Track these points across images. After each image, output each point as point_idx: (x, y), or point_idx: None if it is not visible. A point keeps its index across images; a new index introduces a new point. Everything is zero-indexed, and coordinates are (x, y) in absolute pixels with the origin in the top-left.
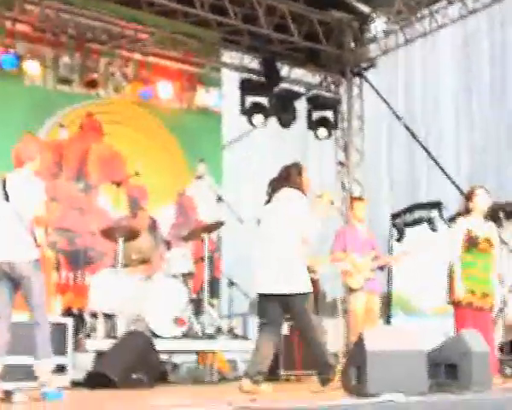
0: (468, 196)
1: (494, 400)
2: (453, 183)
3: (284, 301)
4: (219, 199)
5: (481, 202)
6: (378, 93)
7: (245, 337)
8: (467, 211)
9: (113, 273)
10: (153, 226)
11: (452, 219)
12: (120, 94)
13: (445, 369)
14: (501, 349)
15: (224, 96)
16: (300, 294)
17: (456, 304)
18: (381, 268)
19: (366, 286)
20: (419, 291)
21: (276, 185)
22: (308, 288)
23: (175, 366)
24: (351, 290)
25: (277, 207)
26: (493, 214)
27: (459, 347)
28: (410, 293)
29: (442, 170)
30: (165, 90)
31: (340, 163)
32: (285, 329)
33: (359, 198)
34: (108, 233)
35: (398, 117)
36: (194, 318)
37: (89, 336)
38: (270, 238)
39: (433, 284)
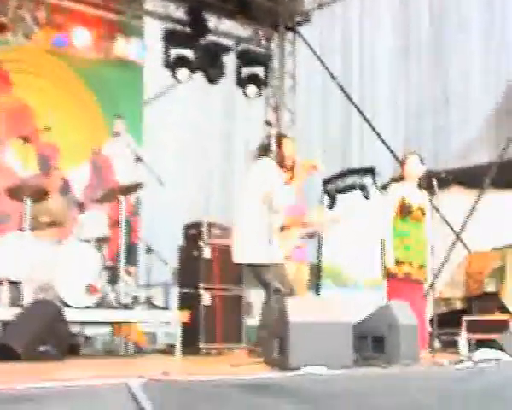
0: (401, 163)
1: (421, 373)
2: (388, 148)
3: (249, 271)
4: (138, 159)
5: (413, 169)
6: (312, 50)
7: (165, 308)
8: (400, 178)
9: (19, 237)
10: (65, 187)
11: (385, 186)
12: (31, 40)
13: (372, 342)
14: (431, 323)
15: (147, 47)
16: (254, 264)
17: (391, 275)
18: (311, 236)
19: (294, 255)
20: (351, 262)
21: (255, 156)
22: (261, 259)
23: (88, 338)
24: None
25: (247, 179)
26: (428, 182)
27: (386, 319)
28: (341, 263)
29: (377, 134)
30: (81, 37)
31: (269, 123)
32: (206, 299)
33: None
34: (15, 192)
35: (332, 77)
36: (108, 286)
37: None
38: (238, 209)
39: (366, 254)
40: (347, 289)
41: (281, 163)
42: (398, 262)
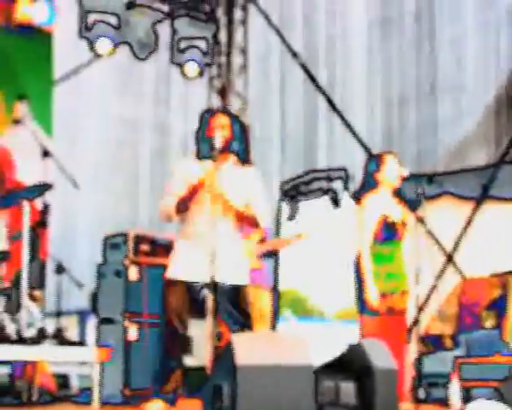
0: (377, 164)
1: None
2: (362, 145)
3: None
4: (46, 153)
5: (390, 174)
6: (269, 20)
7: (80, 343)
8: (374, 184)
9: None
10: None
11: (359, 194)
12: None
13: (340, 390)
14: (414, 366)
15: (57, 10)
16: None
17: (370, 311)
18: (270, 255)
19: (249, 278)
20: (317, 288)
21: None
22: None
23: None
24: None
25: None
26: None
27: (358, 361)
28: (305, 290)
29: (349, 127)
30: None
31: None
32: (132, 333)
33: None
34: None
35: (294, 54)
36: (7, 315)
37: None
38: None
39: (336, 280)
40: (312, 321)
41: None
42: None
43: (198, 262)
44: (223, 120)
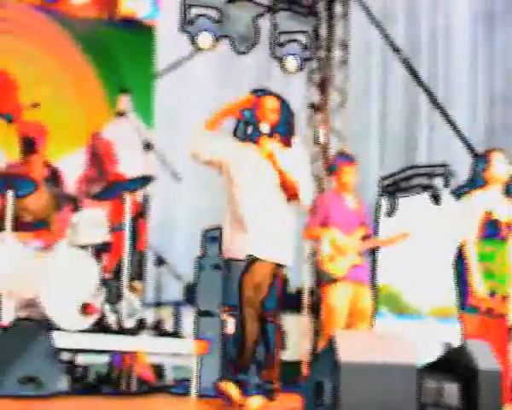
0: (484, 162)
1: None
2: (465, 141)
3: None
4: (148, 146)
5: (498, 172)
6: (370, 14)
7: (176, 334)
8: (482, 182)
9: None
10: (53, 178)
11: (461, 190)
12: None
13: (443, 390)
14: None
15: (160, 4)
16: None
17: (471, 308)
18: (373, 252)
19: (351, 275)
20: (413, 285)
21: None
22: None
23: (81, 370)
24: (329, 280)
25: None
26: None
27: (463, 362)
28: (400, 286)
29: (451, 123)
30: None
31: (314, 106)
32: (230, 326)
33: (348, 159)
34: None
35: (395, 49)
36: (108, 305)
37: None
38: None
39: (433, 277)
40: (407, 318)
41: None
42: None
43: (247, 240)
44: (274, 103)
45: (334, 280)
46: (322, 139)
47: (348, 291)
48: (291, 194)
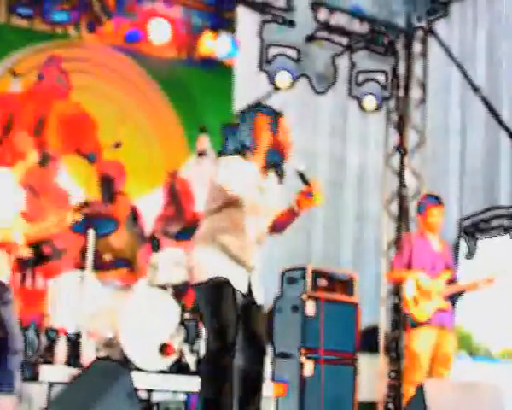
0: None
1: None
2: None
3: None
4: None
5: None
6: (449, 52)
7: None
8: None
9: (78, 278)
10: (133, 218)
11: None
12: (97, 34)
13: None
14: None
15: (239, 44)
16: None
17: None
18: (458, 295)
19: (435, 319)
20: (484, 325)
21: None
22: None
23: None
24: (413, 324)
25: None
26: None
27: None
28: (471, 328)
29: None
30: (159, 31)
31: (398, 148)
32: (308, 369)
33: (436, 200)
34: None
35: (475, 88)
36: (187, 345)
37: (44, 360)
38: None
39: (505, 318)
40: (480, 359)
41: None
42: None
43: (241, 274)
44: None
45: (419, 324)
46: (410, 182)
47: (432, 336)
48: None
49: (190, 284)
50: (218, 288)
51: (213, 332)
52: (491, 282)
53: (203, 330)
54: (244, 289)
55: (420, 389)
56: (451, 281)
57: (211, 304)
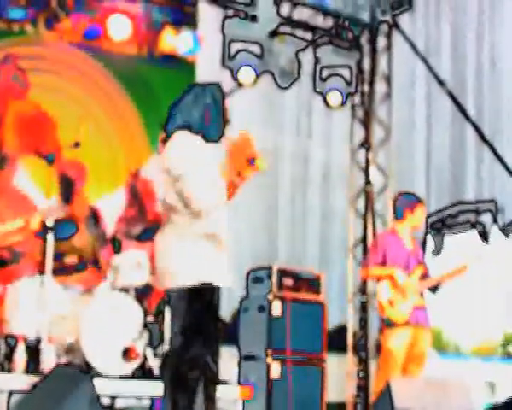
0: None
1: None
2: None
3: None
4: None
5: None
6: (414, 47)
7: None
8: None
9: (37, 283)
10: (93, 219)
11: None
12: (55, 30)
13: None
14: None
15: (201, 40)
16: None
17: None
18: (433, 290)
19: (411, 318)
20: (454, 323)
21: None
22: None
23: None
24: (388, 323)
25: None
26: None
27: None
28: (441, 325)
29: (499, 159)
30: (119, 27)
31: (363, 144)
32: (275, 370)
33: (416, 199)
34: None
35: (440, 82)
36: (150, 349)
37: (2, 368)
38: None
39: (474, 314)
40: (450, 357)
41: None
42: None
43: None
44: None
45: (395, 324)
46: (374, 178)
47: (408, 335)
48: None
49: None
50: None
51: None
52: (465, 269)
53: (167, 333)
54: None
55: (387, 386)
56: (424, 276)
57: None
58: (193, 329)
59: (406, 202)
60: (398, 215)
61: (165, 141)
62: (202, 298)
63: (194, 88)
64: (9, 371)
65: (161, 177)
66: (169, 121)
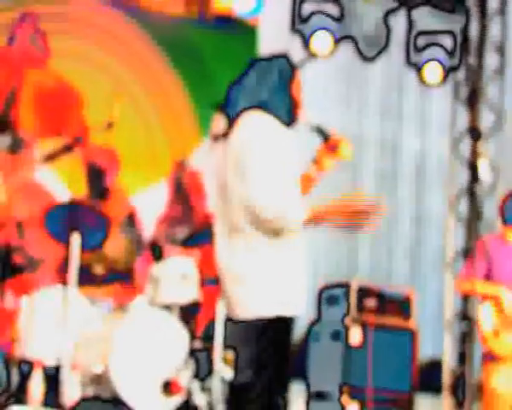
0: None
1: None
2: None
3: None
4: None
5: None
6: None
7: None
8: None
9: (59, 295)
10: (129, 219)
11: None
12: None
13: None
14: None
15: None
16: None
17: None
18: None
19: None
20: None
21: None
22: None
23: None
24: (492, 357)
25: None
26: None
27: None
28: None
29: None
30: None
31: (469, 132)
32: None
33: None
34: None
35: None
36: (196, 382)
37: (15, 400)
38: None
39: None
40: None
41: None
42: None
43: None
44: None
45: (501, 358)
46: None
47: None
48: None
49: None
50: None
51: None
52: None
53: (217, 364)
54: None
55: None
56: None
57: None
58: (263, 363)
59: None
60: (508, 220)
61: (229, 124)
62: (277, 329)
63: (257, 64)
64: (23, 403)
65: (221, 168)
66: (228, 105)
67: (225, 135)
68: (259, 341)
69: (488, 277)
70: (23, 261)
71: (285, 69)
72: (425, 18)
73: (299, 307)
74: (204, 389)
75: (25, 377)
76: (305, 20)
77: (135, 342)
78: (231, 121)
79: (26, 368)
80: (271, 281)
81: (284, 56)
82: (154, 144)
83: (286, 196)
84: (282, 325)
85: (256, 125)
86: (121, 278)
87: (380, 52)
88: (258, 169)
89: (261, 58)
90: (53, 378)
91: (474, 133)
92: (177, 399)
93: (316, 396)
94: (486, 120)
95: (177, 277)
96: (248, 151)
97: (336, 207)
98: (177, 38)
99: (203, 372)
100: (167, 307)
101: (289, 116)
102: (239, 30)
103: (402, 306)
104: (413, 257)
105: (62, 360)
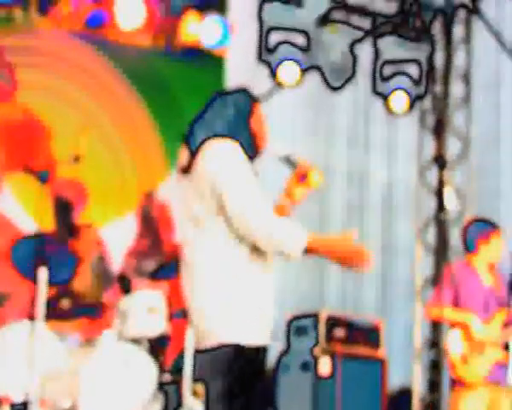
0: None
1: None
2: None
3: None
4: None
5: None
6: (499, 38)
7: None
8: None
9: (26, 330)
10: (99, 256)
11: None
12: (50, 17)
13: None
14: None
15: (231, 29)
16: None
17: None
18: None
19: (491, 376)
20: None
21: None
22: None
23: None
24: (460, 384)
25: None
26: None
27: None
28: None
29: None
30: (130, 12)
31: (435, 160)
32: None
33: (492, 227)
34: None
35: None
36: None
37: None
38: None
39: None
40: None
41: None
42: None
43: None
44: None
45: (468, 385)
46: (451, 205)
47: (485, 397)
48: None
49: None
50: None
51: None
52: None
53: (186, 398)
54: None
55: None
56: (508, 323)
57: None
58: (233, 394)
59: (478, 230)
60: (470, 248)
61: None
62: (246, 360)
63: (218, 97)
64: None
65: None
66: (190, 137)
67: (189, 167)
68: (228, 372)
69: (456, 303)
70: None
71: (243, 104)
72: (391, 47)
73: (264, 336)
74: None
75: None
76: (271, 51)
77: (103, 376)
78: (193, 154)
79: None
80: (235, 309)
81: (244, 90)
82: (122, 177)
83: (282, 224)
84: (252, 354)
85: (220, 149)
86: (89, 311)
87: (346, 81)
88: (239, 193)
89: (222, 92)
90: None
91: (441, 161)
92: None
93: None
94: (453, 148)
95: (144, 310)
96: (223, 178)
97: (332, 246)
98: (145, 71)
99: (172, 406)
100: (136, 341)
101: (251, 149)
102: (206, 61)
103: (371, 335)
104: (382, 286)
105: (30, 396)
